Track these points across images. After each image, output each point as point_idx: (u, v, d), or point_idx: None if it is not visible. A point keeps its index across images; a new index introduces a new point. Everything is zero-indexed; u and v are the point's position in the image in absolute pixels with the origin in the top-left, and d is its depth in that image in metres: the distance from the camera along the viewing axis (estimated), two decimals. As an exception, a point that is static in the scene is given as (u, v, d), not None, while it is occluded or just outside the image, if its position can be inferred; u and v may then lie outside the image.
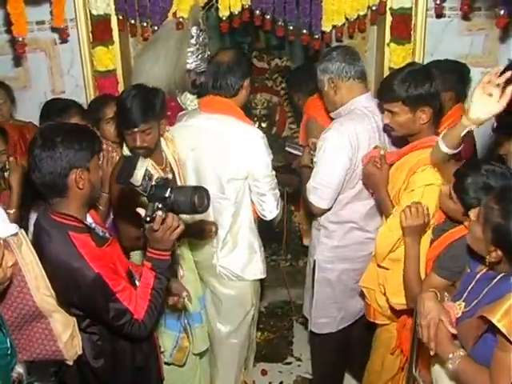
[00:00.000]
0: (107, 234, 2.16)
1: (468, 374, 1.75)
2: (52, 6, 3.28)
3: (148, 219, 1.90)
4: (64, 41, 3.55)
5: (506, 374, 1.60)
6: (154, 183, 1.91)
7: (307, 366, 3.59)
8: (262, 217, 2.83)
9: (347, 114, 2.72)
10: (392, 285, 2.43)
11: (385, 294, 2.49)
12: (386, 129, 2.60)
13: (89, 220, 2.11)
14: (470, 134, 2.91)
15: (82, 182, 1.95)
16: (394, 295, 2.43)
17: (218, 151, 2.68)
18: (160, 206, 1.90)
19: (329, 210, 2.78)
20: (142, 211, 1.94)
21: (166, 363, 2.79)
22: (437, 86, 2.40)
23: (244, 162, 2.69)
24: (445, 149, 2.23)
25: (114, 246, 2.14)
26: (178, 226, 1.98)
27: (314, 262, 2.94)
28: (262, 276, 2.94)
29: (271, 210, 2.79)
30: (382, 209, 2.59)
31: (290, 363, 3.73)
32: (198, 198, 1.91)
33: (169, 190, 1.90)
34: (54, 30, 3.51)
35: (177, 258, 2.70)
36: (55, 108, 2.98)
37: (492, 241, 1.75)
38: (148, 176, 1.90)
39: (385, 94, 2.43)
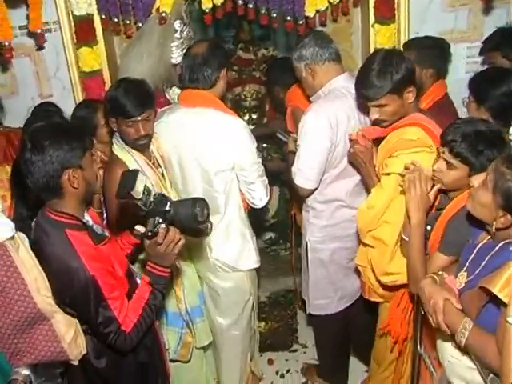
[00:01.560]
0: (106, 233, 2.15)
1: (477, 345, 1.75)
2: (29, 10, 3.26)
3: (150, 234, 1.90)
4: (40, 47, 3.53)
5: None
6: (152, 199, 1.90)
7: (313, 353, 3.59)
8: (252, 205, 2.82)
9: (326, 96, 2.75)
10: (379, 265, 2.45)
11: (374, 273, 2.50)
12: (376, 123, 2.56)
13: (87, 218, 2.10)
14: (448, 105, 2.92)
15: (77, 181, 1.95)
16: (383, 275, 2.45)
17: (201, 145, 2.66)
18: (160, 220, 1.90)
19: (315, 190, 2.81)
20: (141, 228, 1.94)
21: (171, 360, 2.80)
22: (410, 60, 2.42)
23: (229, 153, 2.68)
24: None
25: (112, 245, 2.14)
26: (179, 240, 1.98)
27: (307, 243, 2.97)
28: (257, 265, 2.93)
29: (261, 197, 2.79)
30: (368, 187, 2.61)
31: (295, 351, 3.74)
32: (199, 209, 1.91)
33: (168, 203, 1.91)
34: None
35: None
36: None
37: (502, 205, 1.74)
38: (147, 191, 1.88)
39: (370, 93, 2.39)
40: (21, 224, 2.21)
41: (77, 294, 1.94)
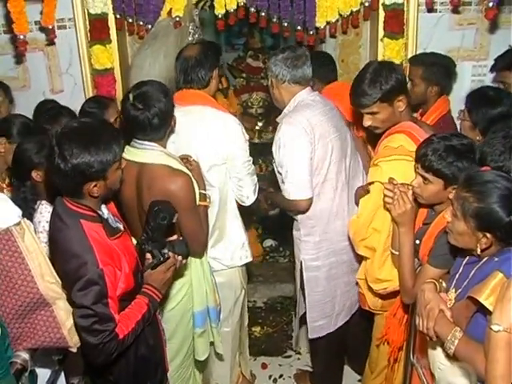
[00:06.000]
0: (121, 226, 2.15)
1: (466, 354, 1.77)
2: (43, 5, 3.33)
3: (161, 259, 2.13)
4: (51, 42, 3.59)
5: None
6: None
7: (307, 359, 3.63)
8: (240, 202, 2.84)
9: (293, 110, 2.78)
10: (371, 273, 2.50)
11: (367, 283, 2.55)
12: (369, 130, 2.63)
13: (104, 211, 2.10)
14: (451, 122, 2.95)
15: (97, 191, 1.95)
16: (374, 283, 2.50)
17: (196, 141, 2.70)
18: (166, 250, 2.15)
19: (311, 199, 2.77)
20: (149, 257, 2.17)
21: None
22: (401, 72, 2.52)
23: (222, 147, 2.71)
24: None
25: (124, 239, 2.13)
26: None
27: (301, 263, 2.94)
28: (250, 259, 2.96)
29: (248, 195, 2.81)
30: None
31: (289, 356, 3.75)
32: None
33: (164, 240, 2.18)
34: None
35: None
36: (45, 113, 2.99)
37: (478, 227, 1.77)
38: None
39: (362, 101, 2.47)
40: (24, 207, 2.25)
41: (81, 285, 1.88)
